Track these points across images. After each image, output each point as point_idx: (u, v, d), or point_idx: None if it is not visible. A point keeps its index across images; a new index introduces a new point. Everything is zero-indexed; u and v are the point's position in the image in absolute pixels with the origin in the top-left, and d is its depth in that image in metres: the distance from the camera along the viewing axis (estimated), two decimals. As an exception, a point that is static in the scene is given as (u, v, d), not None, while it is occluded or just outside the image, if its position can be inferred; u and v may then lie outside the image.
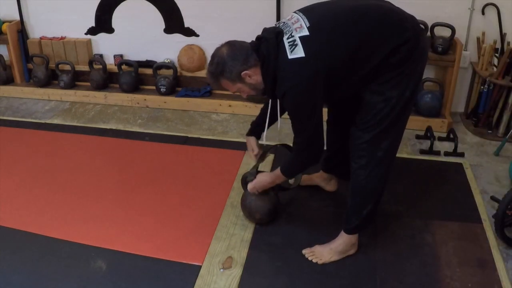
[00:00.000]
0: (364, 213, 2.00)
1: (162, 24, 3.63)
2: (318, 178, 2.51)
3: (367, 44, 1.73)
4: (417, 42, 1.76)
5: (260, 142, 2.28)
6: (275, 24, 1.89)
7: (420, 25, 1.86)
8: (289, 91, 1.75)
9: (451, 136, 2.99)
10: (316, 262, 2.06)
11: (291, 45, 1.72)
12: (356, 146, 1.90)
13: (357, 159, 1.93)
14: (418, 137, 3.10)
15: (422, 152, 2.91)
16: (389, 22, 1.75)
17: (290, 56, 1.71)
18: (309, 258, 2.08)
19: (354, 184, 1.98)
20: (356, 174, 1.95)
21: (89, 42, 3.81)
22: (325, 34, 1.72)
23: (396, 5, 1.83)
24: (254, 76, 1.83)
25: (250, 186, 2.20)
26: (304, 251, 2.11)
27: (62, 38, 3.85)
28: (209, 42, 3.61)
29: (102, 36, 3.79)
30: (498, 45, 3.11)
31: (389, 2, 1.85)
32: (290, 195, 2.48)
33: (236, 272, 2.03)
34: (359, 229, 2.07)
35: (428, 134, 3.00)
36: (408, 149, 2.97)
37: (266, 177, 2.15)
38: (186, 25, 3.61)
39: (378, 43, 1.73)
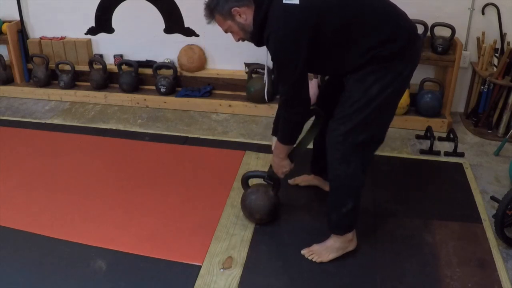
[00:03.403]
0: (344, 211, 1.97)
1: (162, 24, 3.63)
2: (317, 179, 2.51)
3: (359, 24, 1.74)
4: (411, 44, 1.79)
5: None
6: None
7: (417, 27, 1.88)
8: (274, 33, 1.74)
9: (451, 136, 2.99)
10: (315, 261, 2.05)
11: None
12: (332, 138, 1.88)
13: (332, 152, 1.90)
14: (418, 137, 3.10)
15: (422, 152, 2.91)
16: (387, 13, 1.78)
17: (284, 1, 1.71)
18: (309, 257, 2.08)
19: (331, 179, 1.97)
20: (333, 168, 1.93)
21: (89, 42, 3.81)
22: None
23: (397, 5, 1.85)
24: (244, 15, 1.82)
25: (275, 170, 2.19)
26: (303, 251, 2.11)
27: (62, 38, 3.85)
28: (209, 42, 3.62)
29: (102, 36, 3.80)
30: (498, 45, 3.11)
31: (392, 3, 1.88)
32: (290, 195, 2.48)
33: (236, 272, 2.03)
34: (342, 228, 2.04)
35: (428, 134, 3.00)
36: (408, 149, 2.97)
37: (275, 155, 2.13)
38: (186, 25, 3.61)
39: (370, 28, 1.75)
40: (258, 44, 1.89)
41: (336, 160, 1.90)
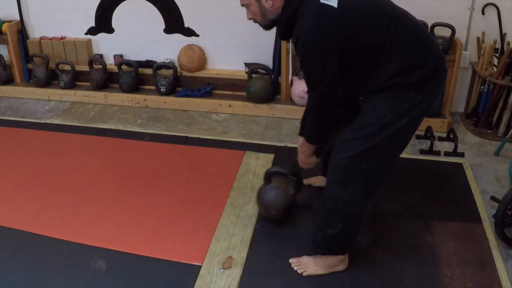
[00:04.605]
0: (330, 233, 1.90)
1: (162, 24, 3.63)
2: (319, 180, 2.51)
3: (390, 44, 1.66)
4: (437, 74, 1.72)
5: None
6: None
7: (445, 65, 1.79)
8: (304, 34, 1.64)
9: (451, 136, 2.99)
10: (301, 273, 2.01)
11: None
12: (337, 160, 1.81)
13: (333, 173, 1.83)
14: (418, 137, 3.10)
15: (422, 152, 2.91)
16: (421, 37, 1.71)
17: (322, 0, 1.61)
18: (295, 268, 2.03)
19: (325, 198, 1.89)
20: (328, 189, 1.87)
21: (89, 42, 3.81)
22: (364, 6, 1.66)
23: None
24: (270, 1, 1.72)
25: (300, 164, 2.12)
26: (291, 260, 2.06)
27: (62, 38, 3.85)
28: (209, 42, 3.62)
29: (102, 36, 3.80)
30: (498, 45, 3.11)
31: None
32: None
33: (236, 272, 2.03)
34: (325, 250, 1.98)
35: (428, 134, 3.00)
36: (408, 149, 2.96)
37: (301, 153, 2.07)
38: (186, 25, 3.61)
39: (400, 51, 1.67)
40: (283, 37, 1.80)
41: (336, 182, 1.82)
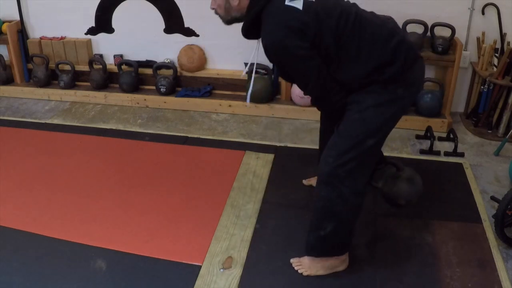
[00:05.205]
0: (322, 235, 1.90)
1: (162, 24, 3.63)
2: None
3: (357, 44, 1.69)
4: (409, 64, 1.73)
5: None
6: None
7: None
8: (272, 43, 1.66)
9: (451, 136, 2.99)
10: (302, 273, 2.01)
11: None
12: (322, 159, 1.83)
13: (320, 172, 1.85)
14: (418, 137, 3.10)
15: (422, 152, 2.91)
16: (384, 33, 1.72)
17: (286, 2, 1.63)
18: (296, 268, 2.03)
19: (315, 198, 1.91)
20: (318, 188, 1.87)
21: (89, 42, 3.81)
22: (328, 6, 1.68)
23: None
24: (237, 0, 1.73)
25: None
26: (292, 260, 2.06)
27: (62, 38, 3.85)
28: (209, 42, 3.62)
29: (102, 36, 3.79)
30: (498, 45, 3.11)
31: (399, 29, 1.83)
32: (290, 195, 2.48)
33: (236, 272, 2.03)
34: (318, 252, 1.97)
35: (428, 134, 3.00)
36: (408, 149, 2.97)
37: None
38: (186, 25, 3.61)
39: (367, 50, 1.69)
40: (246, 36, 1.81)
41: (323, 181, 1.83)
